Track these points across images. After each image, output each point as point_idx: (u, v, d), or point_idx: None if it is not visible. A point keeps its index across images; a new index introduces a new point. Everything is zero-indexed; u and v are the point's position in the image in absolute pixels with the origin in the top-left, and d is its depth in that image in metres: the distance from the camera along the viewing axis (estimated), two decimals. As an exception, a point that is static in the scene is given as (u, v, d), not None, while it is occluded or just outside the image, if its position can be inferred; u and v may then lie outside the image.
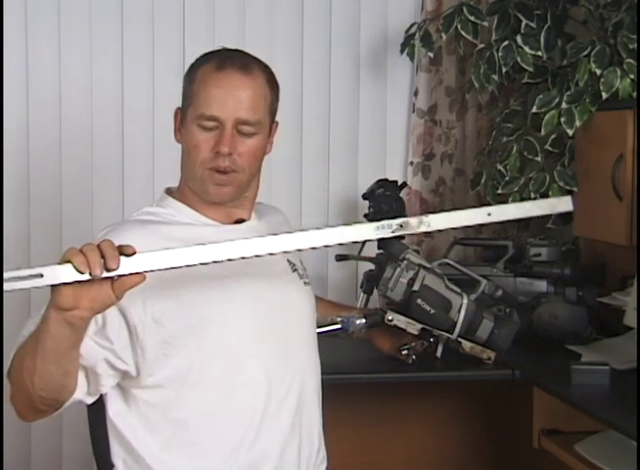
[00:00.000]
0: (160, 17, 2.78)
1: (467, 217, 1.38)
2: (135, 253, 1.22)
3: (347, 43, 2.89)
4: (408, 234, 1.34)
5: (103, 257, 1.20)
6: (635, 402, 1.81)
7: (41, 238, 2.76)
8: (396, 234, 1.32)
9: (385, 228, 1.32)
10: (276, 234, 1.33)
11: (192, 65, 1.60)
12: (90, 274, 1.19)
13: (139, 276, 1.23)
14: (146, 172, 2.78)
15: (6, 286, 1.18)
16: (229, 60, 1.55)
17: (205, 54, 1.60)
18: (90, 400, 1.49)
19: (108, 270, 1.20)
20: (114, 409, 1.52)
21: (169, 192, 1.64)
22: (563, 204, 1.40)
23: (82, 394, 1.45)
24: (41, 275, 1.19)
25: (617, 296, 2.35)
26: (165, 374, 1.47)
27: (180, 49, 2.78)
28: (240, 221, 1.62)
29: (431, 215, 1.34)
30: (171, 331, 1.46)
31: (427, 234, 2.88)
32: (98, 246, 1.21)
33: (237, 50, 1.61)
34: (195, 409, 1.49)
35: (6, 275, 1.18)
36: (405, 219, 1.32)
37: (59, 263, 1.20)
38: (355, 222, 1.38)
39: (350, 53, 2.89)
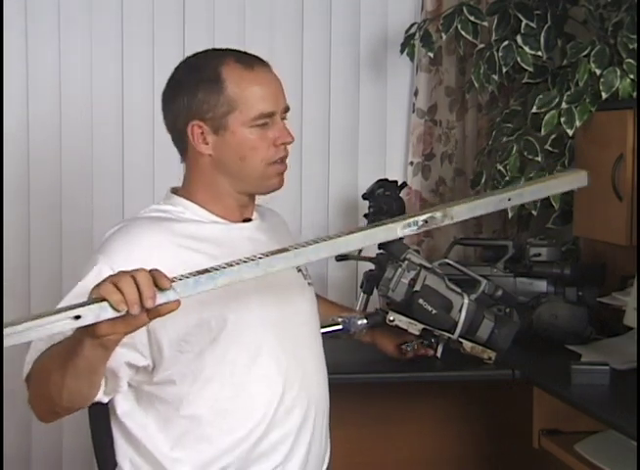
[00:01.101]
0: (161, 16, 2.78)
1: (489, 205, 1.36)
2: (171, 285, 1.19)
3: (347, 43, 2.89)
4: (434, 228, 1.32)
5: (139, 290, 1.17)
6: (635, 402, 1.81)
7: (41, 230, 2.77)
8: (422, 230, 1.30)
9: (411, 226, 1.30)
10: (302, 244, 1.30)
11: (203, 72, 1.53)
12: (127, 312, 1.17)
13: (175, 303, 1.21)
14: (146, 169, 2.78)
15: (48, 329, 1.14)
16: (247, 57, 1.55)
17: (200, 57, 1.56)
18: (106, 399, 1.49)
19: (144, 308, 1.17)
20: (124, 408, 1.52)
21: (175, 191, 1.63)
22: (579, 179, 1.38)
23: (100, 394, 1.45)
24: (79, 317, 1.15)
25: (617, 296, 2.36)
26: (178, 370, 1.47)
27: (180, 49, 2.78)
28: (246, 220, 1.62)
29: (455, 207, 1.33)
30: (187, 328, 1.46)
31: (427, 234, 2.88)
32: (134, 279, 1.17)
33: (236, 50, 1.61)
34: (208, 405, 1.49)
35: (43, 321, 1.13)
36: (430, 214, 1.30)
37: (94, 298, 1.17)
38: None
39: (350, 53, 2.89)
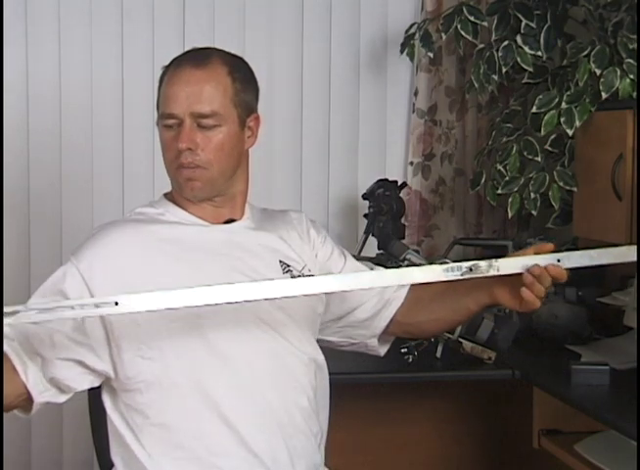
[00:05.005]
0: (161, 16, 2.78)
1: (536, 263, 1.43)
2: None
3: (347, 43, 2.89)
4: (477, 277, 1.37)
5: None
6: (635, 402, 1.81)
7: (41, 230, 2.77)
8: (465, 277, 1.34)
9: (454, 271, 1.35)
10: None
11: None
12: None
13: None
14: (146, 168, 2.77)
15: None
16: (187, 57, 1.56)
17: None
18: (63, 399, 1.48)
19: None
20: (110, 408, 1.52)
21: (166, 194, 1.63)
22: (632, 253, 1.46)
23: (47, 395, 1.45)
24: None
25: (616, 296, 2.36)
26: (143, 378, 1.46)
27: (180, 49, 2.77)
28: (229, 221, 1.60)
29: (500, 260, 1.39)
30: (147, 331, 1.44)
31: (427, 234, 2.89)
32: None
33: (205, 47, 1.60)
34: (175, 413, 1.47)
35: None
36: (475, 262, 1.36)
37: None
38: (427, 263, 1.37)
39: (350, 53, 2.89)
